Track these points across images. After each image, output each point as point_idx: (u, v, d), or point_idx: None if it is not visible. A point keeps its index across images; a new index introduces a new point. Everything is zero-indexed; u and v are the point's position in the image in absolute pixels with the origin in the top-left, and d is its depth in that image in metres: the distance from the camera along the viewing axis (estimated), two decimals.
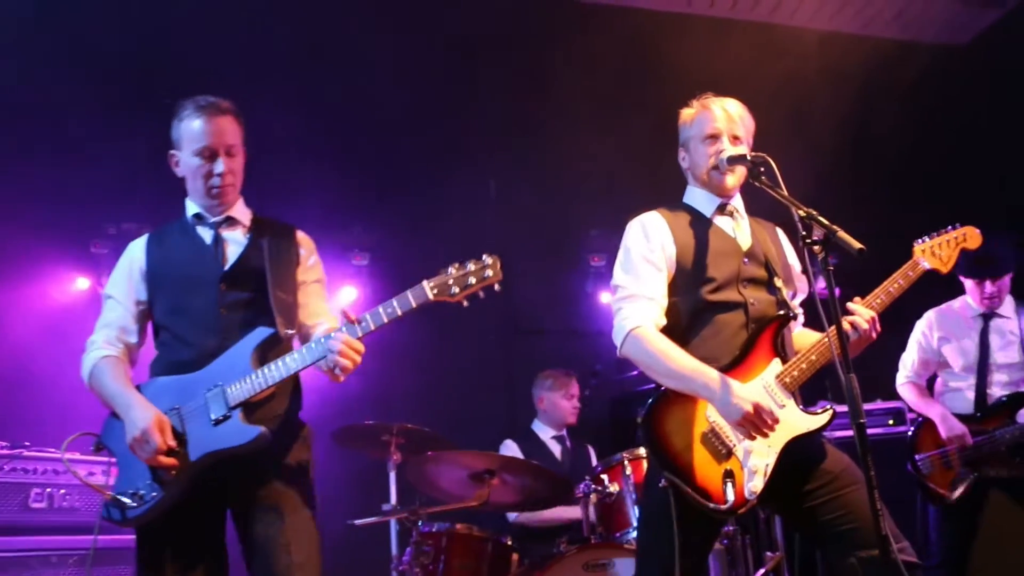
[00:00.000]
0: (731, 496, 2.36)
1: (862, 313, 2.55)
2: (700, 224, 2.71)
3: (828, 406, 2.51)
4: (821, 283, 6.38)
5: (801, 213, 2.36)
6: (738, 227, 2.74)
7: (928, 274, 2.82)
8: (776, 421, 2.43)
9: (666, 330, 2.59)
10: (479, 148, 5.22)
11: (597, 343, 5.69)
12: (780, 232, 2.85)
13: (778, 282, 2.65)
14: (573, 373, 5.00)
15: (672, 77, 3.94)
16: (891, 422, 5.12)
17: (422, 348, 5.29)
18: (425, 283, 2.51)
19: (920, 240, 2.85)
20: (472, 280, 2.50)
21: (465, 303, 2.51)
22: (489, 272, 2.52)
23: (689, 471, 2.42)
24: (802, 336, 2.74)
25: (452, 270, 2.51)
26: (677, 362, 2.49)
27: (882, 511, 2.13)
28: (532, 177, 5.32)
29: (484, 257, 2.53)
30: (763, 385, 2.50)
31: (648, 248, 2.64)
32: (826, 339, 2.49)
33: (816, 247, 2.29)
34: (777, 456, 2.42)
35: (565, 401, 4.91)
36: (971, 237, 2.91)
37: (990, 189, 5.67)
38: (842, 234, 2.25)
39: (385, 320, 2.52)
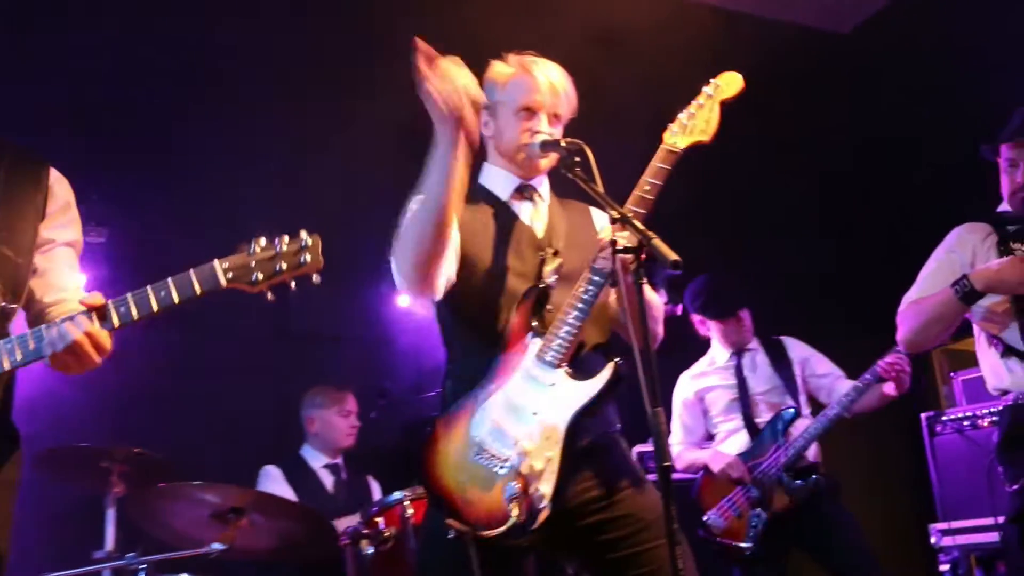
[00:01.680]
0: (515, 512, 2.32)
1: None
2: (493, 209, 2.68)
3: (616, 360, 2.44)
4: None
5: (614, 214, 2.34)
6: (538, 214, 2.71)
7: None
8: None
9: (447, 330, 2.65)
10: (247, 106, 4.96)
11: (390, 355, 5.56)
12: (596, 213, 2.80)
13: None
14: (347, 387, 4.90)
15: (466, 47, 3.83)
16: None
17: (167, 351, 4.94)
18: (217, 263, 2.17)
19: (671, 123, 2.63)
20: (282, 266, 2.17)
21: (269, 296, 2.20)
22: (307, 257, 2.19)
23: (465, 502, 2.39)
24: None
25: (256, 248, 2.18)
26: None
27: (684, 570, 2.14)
28: (315, 143, 5.11)
29: (301, 234, 2.22)
30: (525, 372, 2.47)
31: None
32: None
33: (628, 255, 2.29)
34: (562, 445, 2.38)
35: (340, 419, 4.80)
36: (729, 83, 2.66)
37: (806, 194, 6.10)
38: (658, 242, 2.24)
39: (155, 308, 2.16)
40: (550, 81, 2.67)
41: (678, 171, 2.52)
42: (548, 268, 2.60)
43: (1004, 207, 3.36)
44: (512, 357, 2.51)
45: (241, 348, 5.16)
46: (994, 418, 4.62)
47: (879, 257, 5.76)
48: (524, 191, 2.72)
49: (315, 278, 2.22)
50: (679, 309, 4.90)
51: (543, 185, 2.76)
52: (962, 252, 3.30)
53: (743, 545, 4.27)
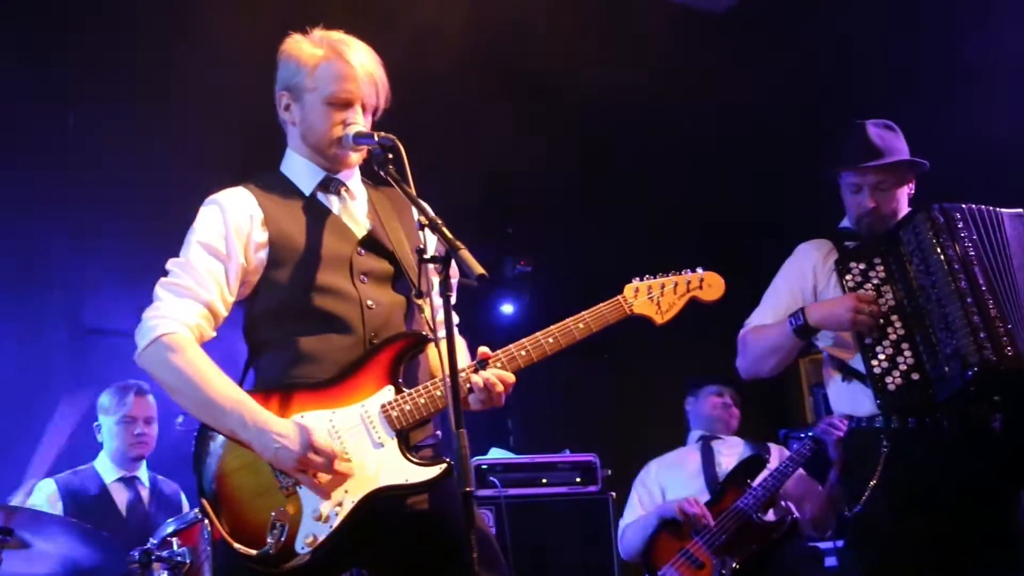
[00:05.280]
0: (270, 541, 2.38)
1: (492, 378, 2.58)
2: (299, 203, 2.72)
3: (446, 459, 2.54)
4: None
5: (423, 220, 2.43)
6: (347, 209, 2.77)
7: None
8: (336, 464, 2.45)
9: (256, 337, 2.65)
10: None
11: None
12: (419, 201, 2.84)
13: (411, 277, 2.69)
14: (139, 385, 4.72)
15: None
16: (579, 480, 5.43)
17: None
18: None
19: (637, 279, 2.84)
20: None
21: None
22: None
23: (231, 501, 2.45)
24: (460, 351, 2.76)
25: None
26: (214, 389, 2.47)
27: None
28: (130, 110, 5.06)
29: None
30: (362, 414, 2.55)
31: (219, 234, 2.62)
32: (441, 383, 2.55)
33: (433, 264, 2.38)
34: (355, 505, 2.46)
35: (122, 428, 4.64)
36: (711, 286, 2.86)
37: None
38: (465, 253, 2.33)
39: None
40: (366, 70, 2.71)
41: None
42: (359, 268, 2.67)
43: (846, 223, 3.63)
44: (355, 384, 2.57)
45: (27, 346, 5.04)
46: None
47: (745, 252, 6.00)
48: (330, 185, 2.76)
49: None
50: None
51: (352, 179, 2.82)
52: (803, 273, 3.56)
53: None
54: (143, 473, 4.76)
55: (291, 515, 2.43)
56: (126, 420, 4.64)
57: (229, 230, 2.62)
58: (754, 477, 4.52)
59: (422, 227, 2.44)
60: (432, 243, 2.54)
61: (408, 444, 2.56)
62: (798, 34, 5.71)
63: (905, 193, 3.58)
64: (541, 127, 5.72)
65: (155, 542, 3.75)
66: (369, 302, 2.64)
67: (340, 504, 2.46)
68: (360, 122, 2.71)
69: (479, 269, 2.32)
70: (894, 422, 3.31)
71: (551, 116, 5.81)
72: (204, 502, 2.45)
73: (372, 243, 2.72)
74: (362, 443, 2.52)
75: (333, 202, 2.76)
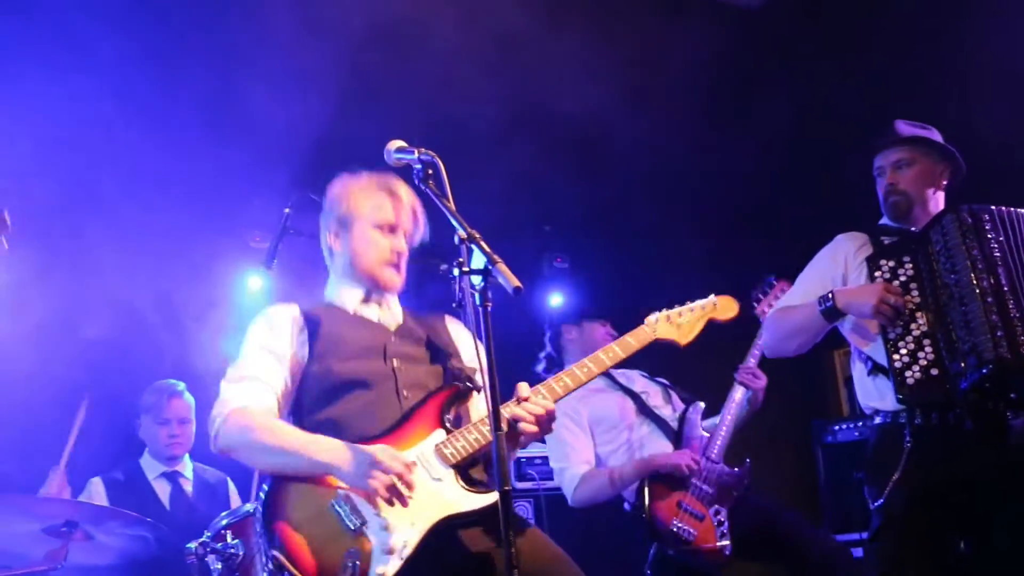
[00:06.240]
0: None
1: (532, 408, 2.80)
2: (342, 314, 3.04)
3: (508, 488, 2.66)
4: None
5: (462, 235, 2.58)
6: (384, 312, 3.08)
7: None
8: (408, 481, 2.63)
9: (304, 421, 2.91)
10: None
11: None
12: (454, 320, 3.20)
13: (445, 353, 3.00)
14: (175, 387, 4.85)
15: None
16: None
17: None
18: None
19: (656, 312, 3.19)
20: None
21: None
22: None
23: (303, 550, 2.61)
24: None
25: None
26: (284, 436, 2.72)
27: None
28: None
29: None
30: (418, 455, 2.76)
31: (270, 337, 2.93)
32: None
33: (474, 276, 2.52)
34: (422, 536, 2.64)
35: (158, 427, 4.79)
36: (724, 307, 3.24)
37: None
38: (502, 267, 2.49)
39: None
40: (410, 202, 3.07)
41: None
42: (392, 351, 2.97)
43: (885, 220, 3.75)
44: (407, 432, 2.81)
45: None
46: None
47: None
48: (371, 297, 3.08)
49: None
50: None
51: (393, 299, 3.13)
52: (836, 263, 3.68)
53: (722, 545, 4.34)
54: (186, 466, 4.90)
55: (363, 553, 2.61)
56: (161, 421, 4.80)
57: (279, 332, 2.93)
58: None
59: (461, 242, 2.58)
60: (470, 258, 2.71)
61: (464, 476, 2.77)
62: (830, 33, 5.76)
63: (934, 187, 3.71)
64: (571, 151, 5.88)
65: (210, 535, 3.88)
66: (401, 368, 2.93)
67: (407, 537, 2.64)
68: (402, 246, 3.06)
69: (515, 282, 2.47)
70: (918, 418, 3.40)
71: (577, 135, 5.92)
72: (276, 554, 2.61)
73: (406, 331, 3.03)
74: (421, 479, 2.71)
75: (372, 310, 3.07)
